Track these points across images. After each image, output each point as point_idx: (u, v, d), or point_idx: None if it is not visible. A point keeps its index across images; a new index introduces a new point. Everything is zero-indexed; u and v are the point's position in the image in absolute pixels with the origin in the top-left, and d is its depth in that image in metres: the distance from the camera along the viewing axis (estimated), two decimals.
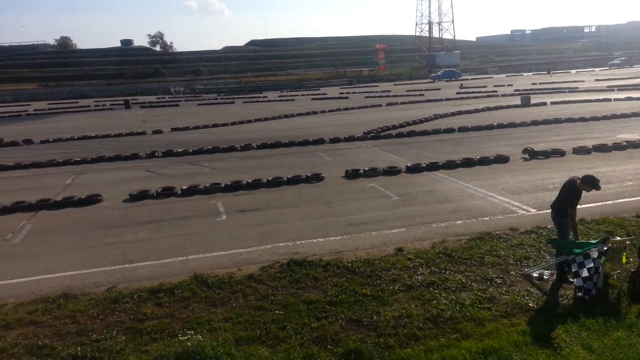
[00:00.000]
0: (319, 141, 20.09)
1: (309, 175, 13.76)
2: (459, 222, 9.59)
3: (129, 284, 7.35)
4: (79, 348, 5.51)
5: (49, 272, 8.02)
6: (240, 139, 21.84)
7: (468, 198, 11.20)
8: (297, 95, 52.31)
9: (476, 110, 27.94)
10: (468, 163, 14.48)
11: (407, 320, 5.85)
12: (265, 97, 51.61)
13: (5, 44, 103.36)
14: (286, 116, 31.29)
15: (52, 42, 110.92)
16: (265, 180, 13.37)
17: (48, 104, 51.84)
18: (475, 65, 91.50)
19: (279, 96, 51.60)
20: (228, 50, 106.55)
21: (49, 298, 6.92)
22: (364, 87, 60.85)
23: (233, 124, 28.34)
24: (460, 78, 66.23)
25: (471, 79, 64.50)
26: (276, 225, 9.93)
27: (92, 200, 12.29)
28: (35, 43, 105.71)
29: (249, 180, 13.36)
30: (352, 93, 49.92)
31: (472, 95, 39.59)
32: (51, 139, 23.83)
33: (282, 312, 6.21)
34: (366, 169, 14.02)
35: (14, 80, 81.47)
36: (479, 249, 7.90)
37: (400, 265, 7.40)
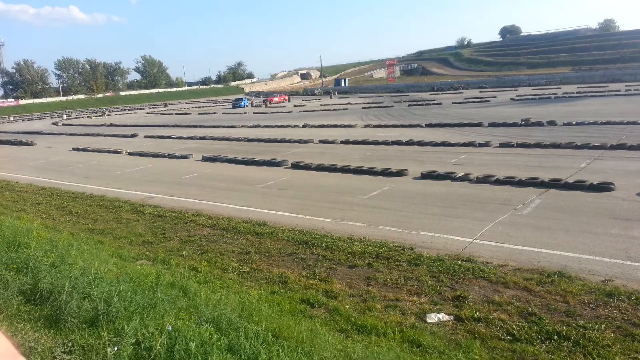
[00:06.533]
0: None
1: None
2: None
3: (628, 283, 6.74)
4: (564, 327, 5.56)
5: (547, 247, 8.37)
6: None
7: None
8: None
9: None
10: None
11: None
12: None
13: (548, 31, 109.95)
14: None
15: (595, 25, 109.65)
16: None
17: (577, 87, 52.22)
18: None
19: None
20: None
21: (545, 272, 7.26)
22: None
23: None
24: None
25: None
26: None
27: (604, 187, 11.74)
28: (577, 28, 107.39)
29: None
30: None
31: None
32: (574, 122, 23.99)
33: None
34: None
35: (549, 65, 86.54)
36: None
37: None
